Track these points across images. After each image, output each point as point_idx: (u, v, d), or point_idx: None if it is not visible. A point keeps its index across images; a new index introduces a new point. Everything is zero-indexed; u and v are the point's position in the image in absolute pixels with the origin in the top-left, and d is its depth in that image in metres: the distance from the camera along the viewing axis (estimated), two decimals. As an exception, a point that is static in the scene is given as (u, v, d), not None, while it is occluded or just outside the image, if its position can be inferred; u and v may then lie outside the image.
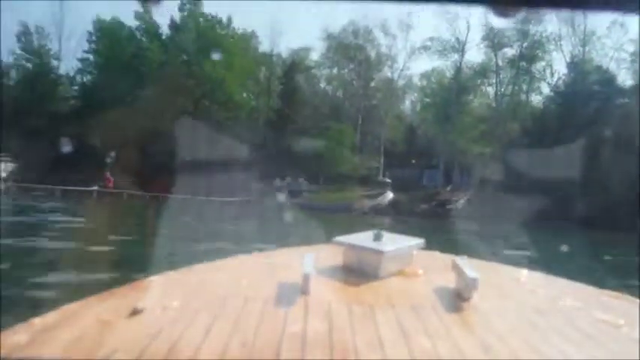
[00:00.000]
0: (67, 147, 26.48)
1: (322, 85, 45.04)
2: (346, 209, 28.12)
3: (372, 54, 42.77)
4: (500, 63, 38.92)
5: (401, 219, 25.47)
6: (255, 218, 20.30)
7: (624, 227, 19.82)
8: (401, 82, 43.58)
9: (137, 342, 1.56)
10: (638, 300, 2.37)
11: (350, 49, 42.20)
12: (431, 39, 39.73)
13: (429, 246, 3.14)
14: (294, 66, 39.53)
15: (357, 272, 2.56)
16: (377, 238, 2.72)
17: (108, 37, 38.76)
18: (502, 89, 39.45)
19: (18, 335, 1.60)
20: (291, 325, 1.76)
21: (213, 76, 35.79)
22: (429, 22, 73.09)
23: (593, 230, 19.72)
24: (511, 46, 38.49)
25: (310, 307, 1.98)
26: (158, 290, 2.27)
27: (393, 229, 3.34)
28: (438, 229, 18.96)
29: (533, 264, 5.04)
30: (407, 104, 46.79)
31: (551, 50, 37.84)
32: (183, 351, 1.51)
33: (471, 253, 3.14)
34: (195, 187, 29.89)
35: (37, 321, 1.74)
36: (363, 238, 2.76)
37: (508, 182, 30.08)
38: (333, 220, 21.20)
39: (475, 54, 63.38)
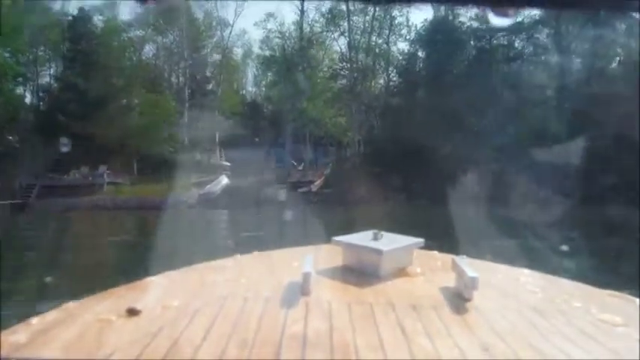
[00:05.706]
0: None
1: (147, 55, 36.21)
2: (167, 203, 21.06)
3: (200, 15, 35.55)
4: (351, 8, 32.98)
5: (238, 210, 19.61)
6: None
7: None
8: (239, 51, 37.55)
9: (137, 341, 1.56)
10: (638, 300, 2.22)
11: (173, 11, 34.24)
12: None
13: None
14: (83, 20, 29.68)
15: (357, 272, 2.51)
16: (376, 237, 2.63)
17: None
18: (358, 39, 33.55)
19: (17, 334, 1.61)
20: (291, 325, 1.74)
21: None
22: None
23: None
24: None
25: (310, 307, 1.96)
26: (158, 290, 2.27)
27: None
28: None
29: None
30: (249, 77, 40.92)
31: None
32: (183, 350, 1.51)
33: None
34: None
35: (37, 320, 1.73)
36: (362, 238, 2.68)
37: (372, 155, 25.67)
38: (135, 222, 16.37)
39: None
